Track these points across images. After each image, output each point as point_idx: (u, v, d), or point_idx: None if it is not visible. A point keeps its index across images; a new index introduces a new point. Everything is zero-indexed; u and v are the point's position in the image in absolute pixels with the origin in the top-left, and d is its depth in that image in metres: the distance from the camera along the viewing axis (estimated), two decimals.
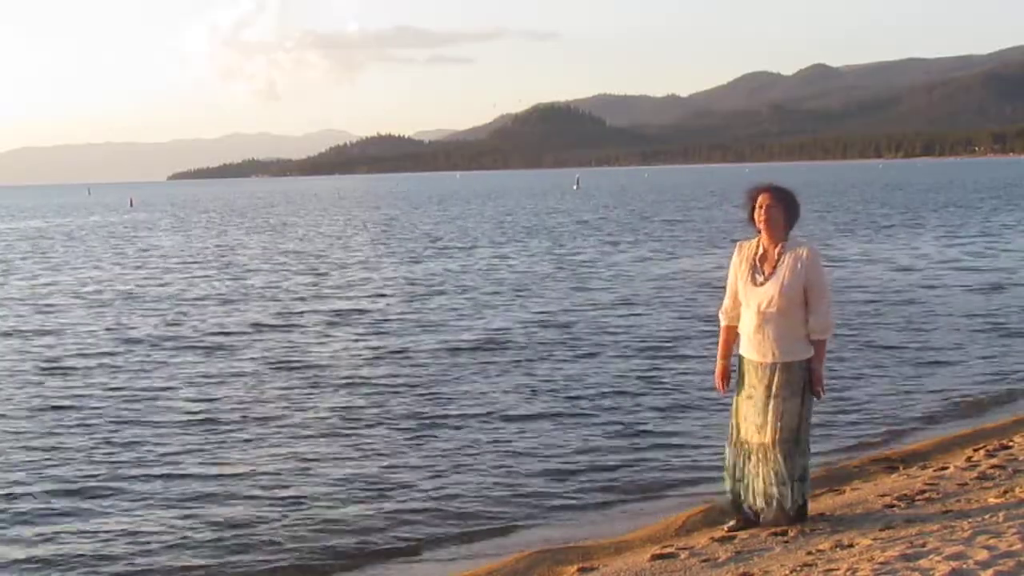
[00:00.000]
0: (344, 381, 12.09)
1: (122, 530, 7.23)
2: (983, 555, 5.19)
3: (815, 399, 5.92)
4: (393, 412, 10.50)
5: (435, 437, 9.49)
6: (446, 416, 10.24)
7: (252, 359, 13.62)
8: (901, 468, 7.97)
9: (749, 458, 5.93)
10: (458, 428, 9.78)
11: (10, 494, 8.04)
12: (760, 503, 5.95)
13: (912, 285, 19.78)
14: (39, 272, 27.94)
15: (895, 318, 15.86)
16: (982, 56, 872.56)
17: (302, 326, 16.68)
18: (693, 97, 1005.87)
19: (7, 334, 16.27)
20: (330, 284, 22.93)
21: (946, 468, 7.67)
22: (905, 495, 6.88)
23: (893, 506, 6.62)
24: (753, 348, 5.85)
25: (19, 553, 6.87)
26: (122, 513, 7.61)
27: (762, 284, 5.76)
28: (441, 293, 20.47)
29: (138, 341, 15.26)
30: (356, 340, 15.10)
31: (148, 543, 7.00)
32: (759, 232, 5.91)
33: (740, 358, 5.99)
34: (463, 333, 15.33)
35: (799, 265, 5.72)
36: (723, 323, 6.13)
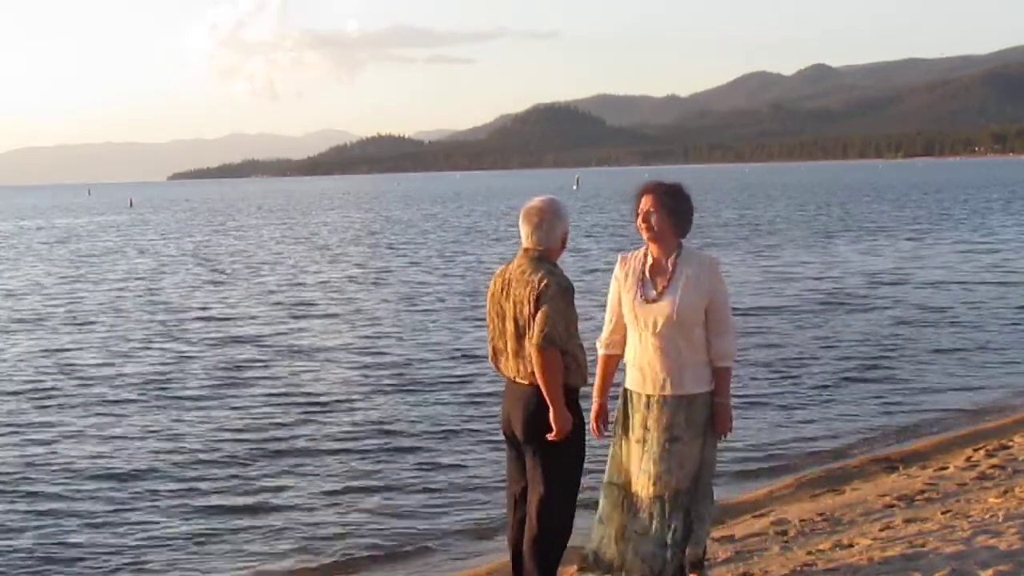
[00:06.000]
0: (341, 381, 12.11)
1: (127, 534, 7.26)
2: (983, 555, 5.19)
3: (720, 438, 4.86)
4: (392, 414, 10.52)
5: (435, 438, 9.50)
6: (446, 418, 10.26)
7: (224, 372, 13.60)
8: (901, 468, 7.99)
9: (637, 515, 4.82)
10: (459, 430, 9.79)
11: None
12: (646, 568, 4.78)
13: (926, 285, 19.81)
14: None
15: (898, 319, 15.86)
16: (982, 56, 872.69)
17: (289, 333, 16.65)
18: (693, 97, 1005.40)
19: None
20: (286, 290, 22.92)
21: (946, 468, 7.68)
22: (905, 495, 6.89)
23: (893, 506, 6.63)
24: (645, 379, 4.78)
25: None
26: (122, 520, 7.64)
27: (655, 300, 4.73)
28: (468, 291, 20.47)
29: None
30: (348, 343, 15.11)
31: (146, 547, 7.03)
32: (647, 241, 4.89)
33: (626, 393, 4.90)
34: (465, 338, 15.34)
35: (700, 278, 4.72)
36: (600, 351, 4.99)
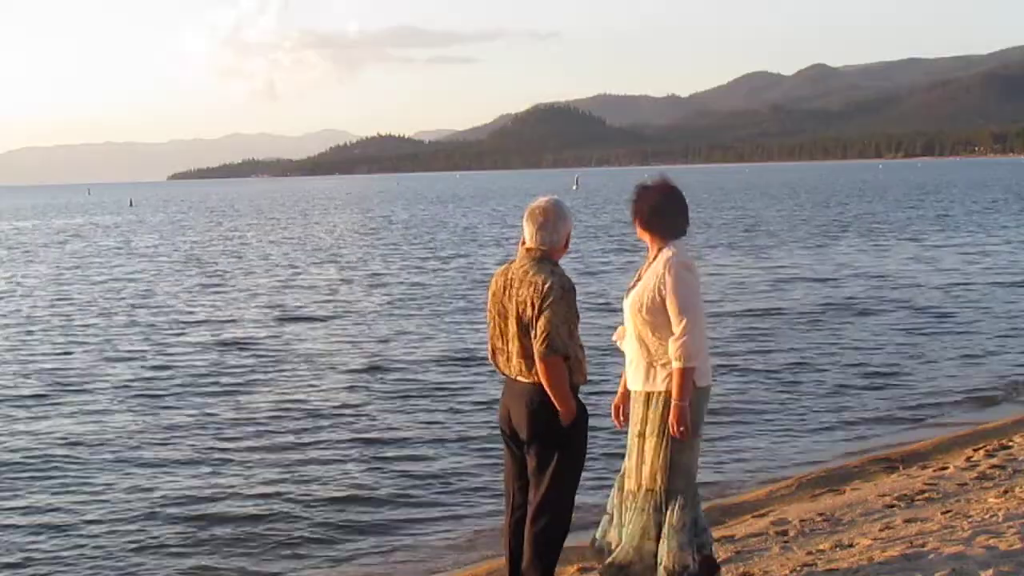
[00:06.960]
0: (335, 385, 12.13)
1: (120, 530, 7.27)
2: (983, 555, 5.19)
3: (695, 440, 4.76)
4: (389, 416, 10.53)
5: (433, 440, 9.52)
6: (444, 420, 10.27)
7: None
8: (901, 468, 7.99)
9: (624, 503, 4.91)
10: (456, 432, 9.80)
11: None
12: (623, 557, 4.80)
13: (930, 285, 19.84)
14: None
15: (900, 320, 15.87)
16: (982, 56, 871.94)
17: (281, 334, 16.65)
18: (693, 97, 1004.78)
19: None
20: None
21: (946, 468, 7.68)
22: (905, 495, 6.89)
23: (893, 506, 6.64)
24: (627, 371, 4.95)
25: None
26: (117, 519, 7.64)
27: (626, 296, 4.89)
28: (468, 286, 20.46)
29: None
30: (342, 342, 15.10)
31: (136, 555, 7.04)
32: None
33: None
34: (463, 340, 15.35)
35: (653, 276, 4.74)
36: None
